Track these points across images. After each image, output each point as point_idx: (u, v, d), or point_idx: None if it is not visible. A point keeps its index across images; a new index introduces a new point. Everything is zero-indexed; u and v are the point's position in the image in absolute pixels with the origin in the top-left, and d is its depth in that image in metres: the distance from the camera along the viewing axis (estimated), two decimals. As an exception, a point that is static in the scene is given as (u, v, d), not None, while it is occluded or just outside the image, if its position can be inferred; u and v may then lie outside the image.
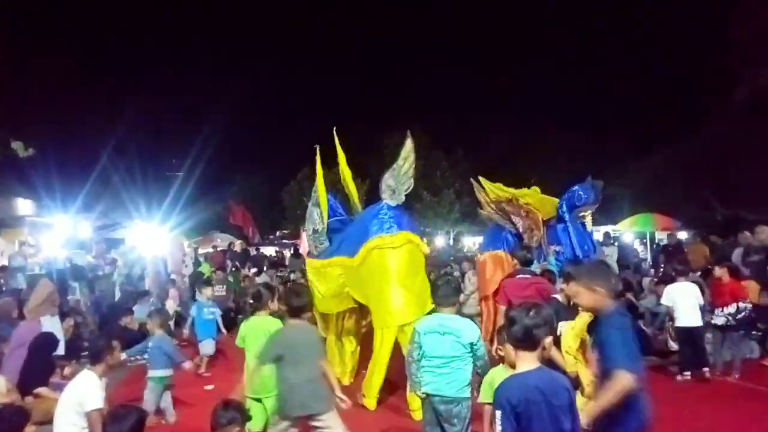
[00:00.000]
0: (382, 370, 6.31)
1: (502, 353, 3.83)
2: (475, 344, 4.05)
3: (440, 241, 23.65)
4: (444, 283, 4.47)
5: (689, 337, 7.27)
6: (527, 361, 2.66)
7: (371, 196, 11.39)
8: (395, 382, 6.72)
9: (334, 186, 9.39)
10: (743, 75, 16.64)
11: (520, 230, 8.71)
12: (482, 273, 8.58)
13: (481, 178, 9.32)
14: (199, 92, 38.82)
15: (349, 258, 6.76)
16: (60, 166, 18.11)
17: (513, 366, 3.61)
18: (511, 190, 9.02)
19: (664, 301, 7.62)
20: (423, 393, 4.11)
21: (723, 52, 17.43)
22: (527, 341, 2.67)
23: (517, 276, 6.33)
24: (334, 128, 7.63)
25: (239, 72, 40.21)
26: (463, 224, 29.41)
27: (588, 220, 8.55)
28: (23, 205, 20.80)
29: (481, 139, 30.17)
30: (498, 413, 2.59)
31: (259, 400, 4.70)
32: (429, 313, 4.89)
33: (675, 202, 20.26)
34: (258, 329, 4.91)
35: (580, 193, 8.25)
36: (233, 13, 48.13)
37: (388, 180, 6.93)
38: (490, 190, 9.10)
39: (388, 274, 6.31)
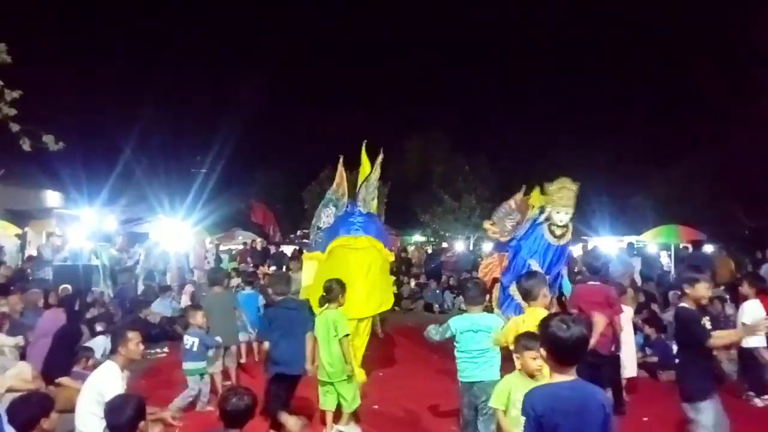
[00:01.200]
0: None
1: (519, 360, 3.79)
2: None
3: (460, 245, 23.55)
4: (473, 286, 5.05)
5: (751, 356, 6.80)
6: (565, 374, 2.61)
7: (392, 198, 11.46)
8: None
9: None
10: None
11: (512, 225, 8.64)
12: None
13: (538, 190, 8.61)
14: (222, 90, 39.32)
15: (321, 253, 7.63)
16: (87, 160, 18.49)
17: (530, 374, 3.66)
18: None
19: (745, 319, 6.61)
20: (463, 381, 4.76)
21: (749, 62, 17.11)
22: (566, 356, 2.61)
23: (588, 283, 6.19)
24: (365, 142, 8.21)
25: (263, 71, 40.58)
26: (483, 229, 29.27)
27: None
28: (52, 197, 21.28)
29: (503, 145, 30.04)
30: (523, 419, 2.61)
31: (331, 384, 5.37)
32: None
33: (700, 214, 19.93)
34: (327, 323, 5.42)
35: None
36: (258, 11, 48.63)
37: (361, 191, 7.74)
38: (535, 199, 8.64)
39: (344, 271, 6.71)
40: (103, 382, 4.30)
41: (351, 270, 6.89)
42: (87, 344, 7.24)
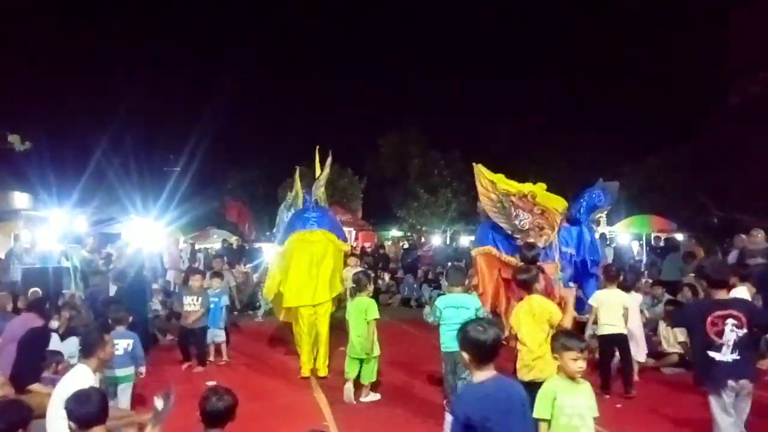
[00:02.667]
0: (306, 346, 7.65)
1: (558, 362, 3.57)
2: (479, 310, 5.76)
3: (437, 239, 23.67)
4: (454, 270, 6.62)
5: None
6: (486, 371, 2.84)
7: (368, 193, 11.64)
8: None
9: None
10: (738, 79, 16.70)
11: (525, 227, 8.32)
12: (479, 271, 8.48)
13: (480, 166, 8.71)
14: (195, 88, 38.77)
15: (280, 247, 8.45)
16: (56, 160, 18.14)
17: (571, 376, 3.46)
18: (517, 185, 8.88)
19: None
20: (445, 351, 5.71)
21: (719, 57, 17.50)
22: (485, 355, 2.84)
23: None
24: (317, 147, 9.53)
25: (236, 68, 40.08)
26: (459, 223, 29.45)
27: (602, 222, 8.49)
28: (19, 199, 20.74)
29: (478, 139, 30.21)
30: (449, 418, 2.86)
31: (361, 360, 6.51)
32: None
33: (671, 205, 20.38)
34: (359, 307, 6.59)
35: (599, 195, 8.22)
36: (230, 7, 48.09)
37: (314, 189, 8.83)
38: (497, 180, 8.85)
39: (297, 262, 7.76)
40: (76, 387, 4.20)
41: (309, 261, 7.75)
42: (55, 348, 7.05)
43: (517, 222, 8.30)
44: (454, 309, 5.77)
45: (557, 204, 8.49)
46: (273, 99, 42.12)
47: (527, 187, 8.59)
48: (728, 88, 17.35)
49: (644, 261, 16.43)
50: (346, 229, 18.02)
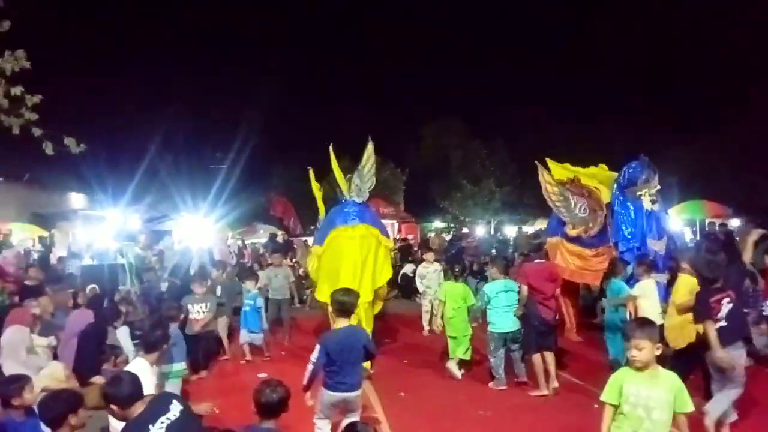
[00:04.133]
0: None
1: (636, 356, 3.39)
2: (519, 290, 6.62)
3: (480, 230, 23.45)
4: (500, 259, 7.77)
5: None
6: (343, 323, 4.56)
7: (410, 185, 11.54)
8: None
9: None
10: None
11: (586, 212, 8.50)
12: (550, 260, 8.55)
13: (548, 160, 9.10)
14: (241, 86, 39.47)
15: (320, 247, 7.99)
16: (110, 161, 18.84)
17: (644, 366, 3.32)
18: (578, 168, 8.84)
19: None
20: (494, 332, 6.66)
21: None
22: (344, 311, 4.56)
23: (534, 261, 7.00)
24: (331, 145, 8.43)
25: (281, 66, 40.68)
26: (503, 213, 29.07)
27: (646, 200, 7.95)
28: (76, 199, 21.68)
29: (521, 128, 29.74)
30: (318, 347, 4.38)
31: (456, 338, 7.22)
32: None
33: (724, 189, 19.54)
34: (456, 291, 7.38)
35: (630, 170, 8.05)
36: (276, 7, 48.64)
37: (355, 180, 8.11)
38: (557, 172, 8.88)
39: (342, 260, 7.51)
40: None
41: (346, 257, 7.51)
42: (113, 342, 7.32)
43: (577, 211, 8.48)
44: (503, 293, 6.66)
45: (597, 180, 8.39)
46: (316, 95, 42.50)
47: (588, 171, 8.58)
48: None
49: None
50: (388, 221, 18.08)
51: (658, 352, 3.35)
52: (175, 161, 24.27)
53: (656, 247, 7.76)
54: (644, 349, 3.29)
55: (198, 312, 7.75)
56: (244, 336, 8.39)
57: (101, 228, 13.89)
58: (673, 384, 3.33)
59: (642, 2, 27.71)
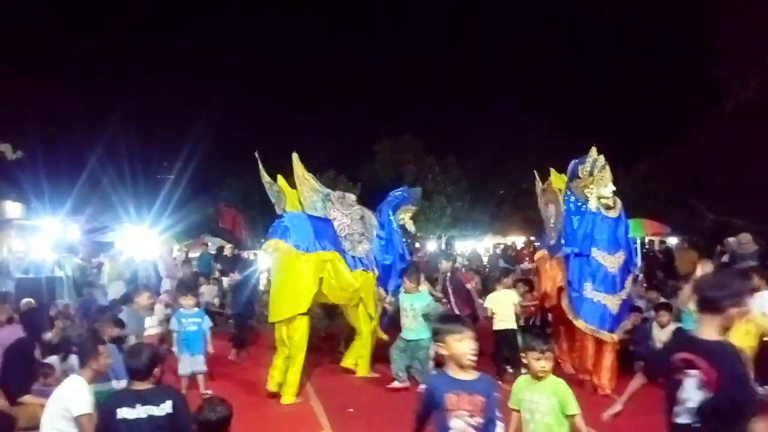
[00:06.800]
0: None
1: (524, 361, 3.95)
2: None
3: (432, 245, 23.70)
4: (413, 271, 8.28)
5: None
6: None
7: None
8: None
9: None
10: (730, 86, 16.88)
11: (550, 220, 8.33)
12: (539, 273, 8.79)
13: (551, 170, 8.99)
14: (189, 94, 38.64)
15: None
16: (48, 168, 18.04)
17: (535, 376, 3.64)
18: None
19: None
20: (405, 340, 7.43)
21: (710, 62, 17.67)
22: None
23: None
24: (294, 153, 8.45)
25: (230, 74, 40.12)
26: (454, 229, 29.47)
27: (593, 200, 7.57)
28: (11, 208, 20.62)
29: (472, 145, 30.37)
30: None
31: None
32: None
33: (664, 209, 20.49)
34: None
35: (575, 161, 7.97)
36: (222, 14, 48.15)
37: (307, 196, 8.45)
38: (553, 180, 8.76)
39: (273, 276, 7.94)
40: (70, 398, 4.16)
41: (278, 274, 7.61)
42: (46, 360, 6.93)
43: (560, 219, 7.99)
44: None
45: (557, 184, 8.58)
46: (267, 105, 42.07)
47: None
48: (720, 95, 17.52)
49: (638, 265, 16.48)
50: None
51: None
52: (119, 170, 23.46)
53: (605, 262, 7.13)
54: (550, 358, 3.64)
55: (152, 327, 7.57)
56: (185, 365, 7.22)
57: (38, 238, 13.26)
58: (554, 387, 3.57)
59: (594, 24, 28.84)
